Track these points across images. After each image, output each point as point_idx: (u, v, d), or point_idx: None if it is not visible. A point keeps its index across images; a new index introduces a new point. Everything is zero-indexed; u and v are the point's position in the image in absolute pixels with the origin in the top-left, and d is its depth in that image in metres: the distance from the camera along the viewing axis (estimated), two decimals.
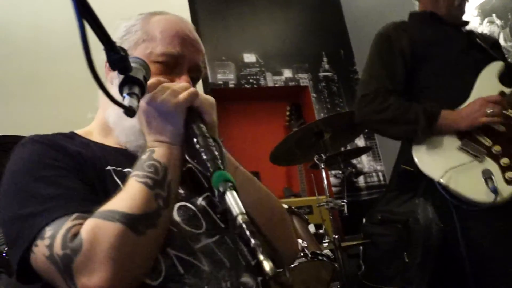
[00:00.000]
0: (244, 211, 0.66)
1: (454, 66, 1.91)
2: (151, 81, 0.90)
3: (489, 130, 1.75)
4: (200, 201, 1.00)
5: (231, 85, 4.19)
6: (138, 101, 0.78)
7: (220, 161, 0.77)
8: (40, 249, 0.78)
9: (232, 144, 3.73)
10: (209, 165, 0.76)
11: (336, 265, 2.27)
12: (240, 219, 0.65)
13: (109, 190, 0.88)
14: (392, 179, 2.09)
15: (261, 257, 0.61)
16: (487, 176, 1.63)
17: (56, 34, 3.10)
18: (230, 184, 0.70)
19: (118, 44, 0.78)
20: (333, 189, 4.18)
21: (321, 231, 2.58)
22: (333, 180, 4.21)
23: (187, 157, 0.98)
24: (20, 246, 0.80)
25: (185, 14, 3.75)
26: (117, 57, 0.77)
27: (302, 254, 1.92)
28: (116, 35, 1.06)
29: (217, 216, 0.99)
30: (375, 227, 1.97)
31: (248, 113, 4.38)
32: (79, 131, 1.09)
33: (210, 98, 0.97)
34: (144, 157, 0.89)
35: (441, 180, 1.66)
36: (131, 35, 1.04)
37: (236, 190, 0.70)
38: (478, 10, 3.22)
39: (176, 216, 0.92)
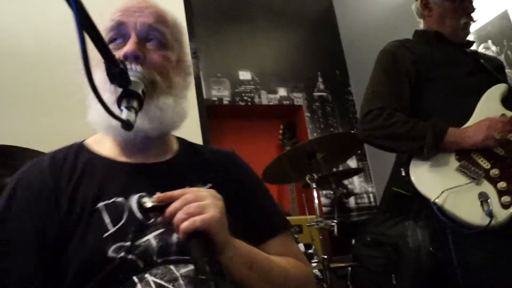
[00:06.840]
0: None
1: (458, 87, 1.88)
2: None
3: (488, 153, 1.73)
4: None
5: (225, 102, 4.20)
6: (136, 115, 0.77)
7: None
8: None
9: None
10: None
11: (325, 286, 2.25)
12: None
13: (89, 230, 0.86)
14: (383, 201, 2.08)
15: None
16: (484, 199, 1.61)
17: (54, 45, 3.09)
18: None
19: None
20: (324, 209, 4.17)
21: (310, 251, 2.57)
22: (323, 200, 4.21)
23: None
24: None
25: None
26: (117, 71, 0.75)
27: None
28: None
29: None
30: (364, 249, 1.96)
31: (242, 130, 4.37)
32: (90, 140, 1.06)
33: (216, 213, 0.82)
34: None
35: (437, 201, 1.64)
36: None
37: None
38: (474, 36, 3.23)
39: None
